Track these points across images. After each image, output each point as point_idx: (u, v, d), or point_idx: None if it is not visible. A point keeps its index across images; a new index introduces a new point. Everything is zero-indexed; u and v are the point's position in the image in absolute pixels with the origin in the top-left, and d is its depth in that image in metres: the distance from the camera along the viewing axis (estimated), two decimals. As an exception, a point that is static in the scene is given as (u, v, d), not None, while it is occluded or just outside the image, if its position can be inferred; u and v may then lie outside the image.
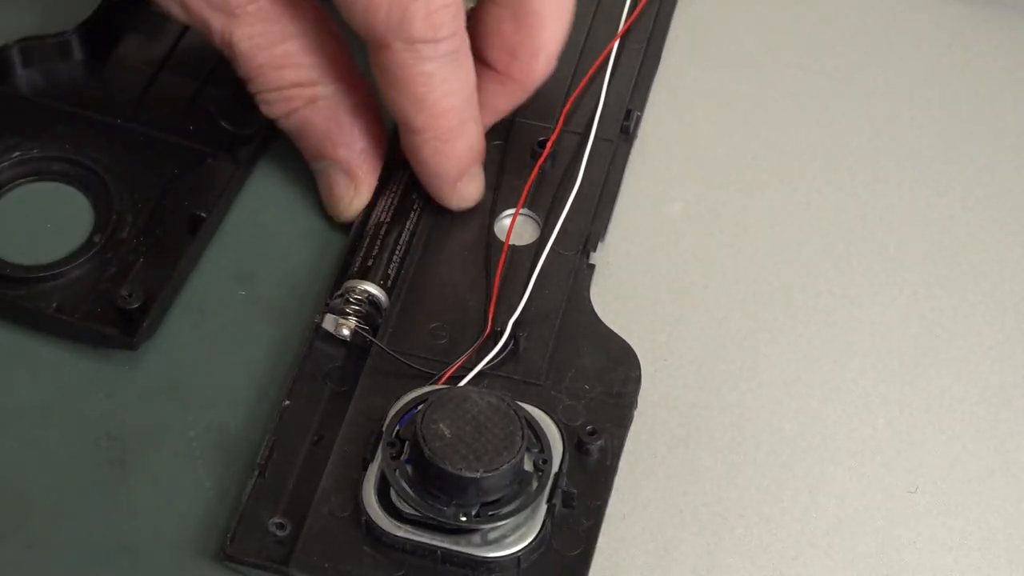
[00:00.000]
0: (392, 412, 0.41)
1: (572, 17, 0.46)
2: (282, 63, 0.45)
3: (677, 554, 0.41)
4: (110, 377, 0.44)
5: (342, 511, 0.40)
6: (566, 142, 0.48)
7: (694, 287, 0.47)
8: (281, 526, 0.40)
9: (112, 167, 0.47)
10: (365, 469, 0.41)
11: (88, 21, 0.50)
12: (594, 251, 0.46)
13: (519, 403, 0.41)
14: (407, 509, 0.40)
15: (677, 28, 0.53)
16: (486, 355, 0.43)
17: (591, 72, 0.50)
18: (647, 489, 0.42)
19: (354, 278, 0.44)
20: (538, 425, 0.41)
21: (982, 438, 0.44)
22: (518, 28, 0.45)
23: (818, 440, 0.43)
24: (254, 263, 0.46)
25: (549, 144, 0.48)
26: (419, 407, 0.40)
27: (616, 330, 0.44)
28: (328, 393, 0.43)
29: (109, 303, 0.44)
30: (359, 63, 0.46)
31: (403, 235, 0.46)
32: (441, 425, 0.39)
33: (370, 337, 0.43)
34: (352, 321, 0.43)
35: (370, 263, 0.45)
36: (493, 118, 0.47)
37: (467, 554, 0.39)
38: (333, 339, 0.44)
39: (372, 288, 0.44)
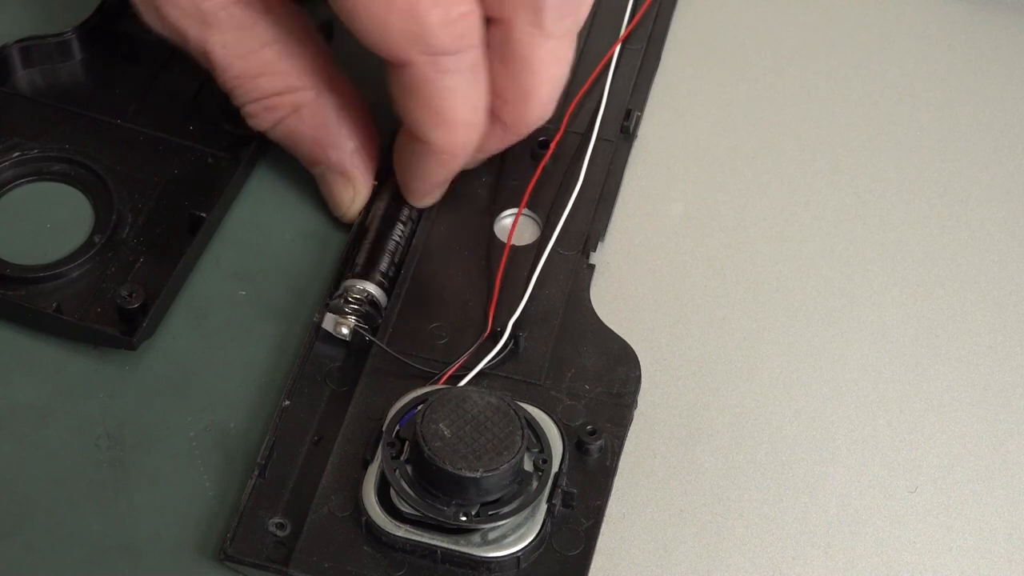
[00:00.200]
0: (392, 412, 0.41)
1: (570, 63, 0.45)
2: (260, 71, 0.45)
3: (677, 554, 0.41)
4: (110, 377, 0.44)
5: (342, 511, 0.40)
6: (566, 142, 0.48)
7: (694, 287, 0.47)
8: (281, 526, 0.40)
9: (112, 167, 0.47)
10: (365, 469, 0.41)
11: (88, 21, 0.50)
12: (594, 251, 0.46)
13: (519, 403, 0.41)
14: (407, 509, 0.40)
15: (677, 28, 0.53)
16: (486, 355, 0.43)
17: (594, 75, 0.49)
18: (647, 489, 0.42)
19: (354, 278, 0.44)
20: (538, 425, 0.41)
21: (982, 438, 0.44)
22: (507, 73, 0.44)
23: (818, 440, 0.43)
24: (254, 263, 0.46)
25: (553, 145, 0.48)
26: (419, 407, 0.40)
27: (616, 330, 0.44)
28: (328, 393, 0.43)
29: (109, 303, 0.44)
30: (339, 61, 0.46)
31: (403, 235, 0.46)
32: (441, 425, 0.39)
33: (370, 336, 0.43)
34: (351, 320, 0.43)
35: (370, 263, 0.45)
36: (483, 156, 0.47)
37: (467, 554, 0.39)
38: (333, 339, 0.44)
39: (372, 288, 0.44)
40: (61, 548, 0.40)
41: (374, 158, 0.47)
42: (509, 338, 0.43)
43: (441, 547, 0.39)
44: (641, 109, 0.50)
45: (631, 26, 0.51)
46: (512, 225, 0.47)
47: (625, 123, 0.49)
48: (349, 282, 0.44)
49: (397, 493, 0.40)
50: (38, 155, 0.47)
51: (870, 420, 0.44)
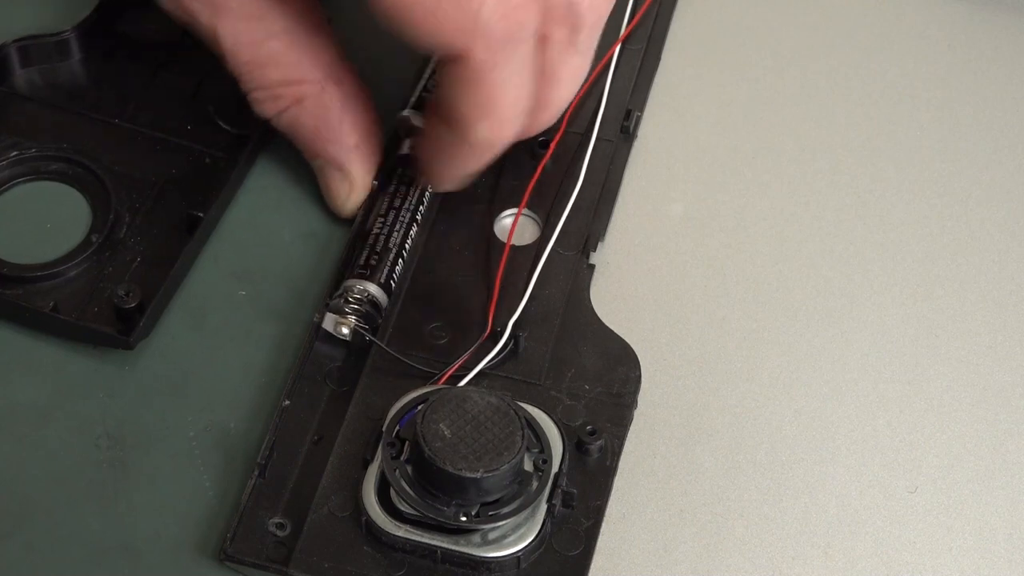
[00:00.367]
0: (392, 412, 0.41)
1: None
2: (266, 61, 0.45)
3: (677, 554, 0.41)
4: (109, 377, 0.44)
5: (342, 511, 0.40)
6: (566, 142, 0.48)
7: (694, 287, 0.47)
8: (281, 526, 0.40)
9: (110, 166, 0.47)
10: (365, 469, 0.41)
11: (86, 21, 0.50)
12: (594, 251, 0.46)
13: (519, 403, 0.41)
14: (407, 509, 0.39)
15: (677, 28, 0.53)
16: (486, 355, 0.43)
17: (594, 75, 0.49)
18: (647, 489, 0.42)
19: (354, 278, 0.44)
20: (538, 425, 0.41)
21: (982, 438, 0.44)
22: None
23: (818, 440, 0.43)
24: (253, 263, 0.46)
25: (553, 145, 0.48)
26: (419, 407, 0.40)
27: (616, 330, 0.44)
28: (328, 393, 0.43)
29: (106, 302, 0.44)
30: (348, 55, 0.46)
31: (403, 235, 0.46)
32: (441, 425, 0.39)
33: (370, 336, 0.43)
34: (352, 320, 0.43)
35: (370, 263, 0.44)
36: None
37: (467, 554, 0.39)
38: (333, 339, 0.44)
39: (372, 288, 0.44)
40: (61, 548, 0.40)
41: (375, 155, 0.47)
42: (509, 338, 0.43)
43: (441, 547, 0.39)
44: (641, 109, 0.50)
45: (631, 26, 0.51)
46: (512, 225, 0.47)
47: (625, 123, 0.49)
48: (349, 282, 0.44)
49: (397, 493, 0.39)
50: (36, 154, 0.47)
51: (870, 420, 0.44)
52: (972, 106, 0.51)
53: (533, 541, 0.40)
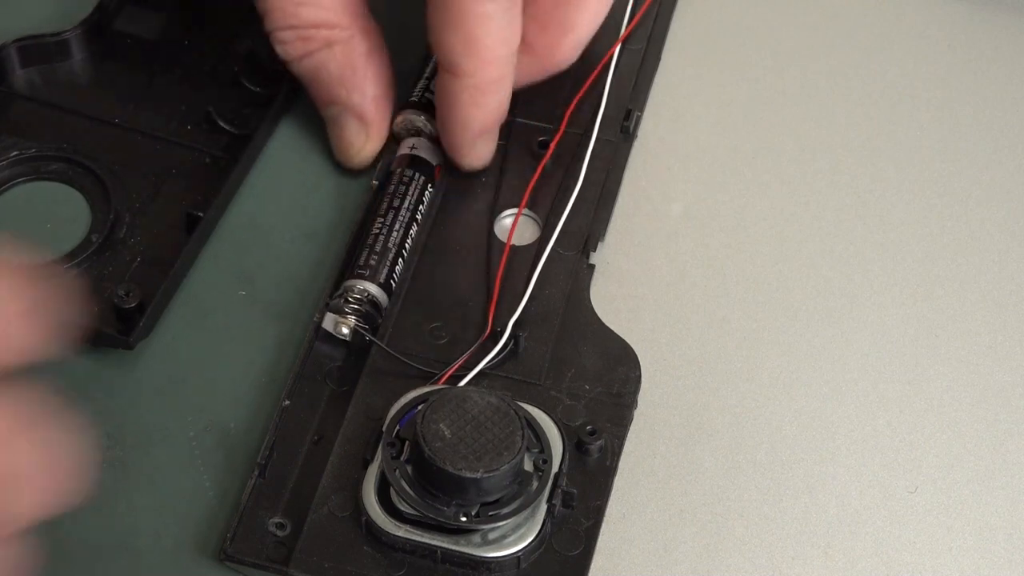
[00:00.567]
0: (392, 412, 0.41)
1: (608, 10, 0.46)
2: (303, 0, 0.45)
3: (677, 554, 0.41)
4: (110, 377, 0.44)
5: (342, 511, 0.40)
6: (566, 142, 0.48)
7: (694, 287, 0.47)
8: (281, 526, 0.40)
9: (110, 166, 0.47)
10: (365, 469, 0.41)
11: (86, 21, 0.50)
12: (594, 251, 0.46)
13: (519, 403, 0.41)
14: (407, 509, 0.39)
15: (677, 28, 0.53)
16: (486, 355, 0.43)
17: (594, 75, 0.49)
18: (647, 489, 0.42)
19: (354, 278, 0.44)
20: (538, 425, 0.41)
21: (982, 438, 0.44)
22: (557, 2, 0.45)
23: (818, 440, 0.43)
24: (253, 263, 0.46)
25: (553, 144, 0.48)
26: (419, 407, 0.40)
27: (616, 330, 0.44)
28: (328, 393, 0.43)
29: (106, 302, 0.44)
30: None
31: (403, 235, 0.46)
32: (441, 425, 0.39)
33: (370, 336, 0.43)
34: (352, 320, 0.43)
35: (370, 263, 0.44)
36: None
37: (467, 554, 0.39)
38: (333, 339, 0.44)
39: (372, 287, 0.44)
40: (61, 548, 0.40)
41: (391, 111, 0.47)
42: (509, 338, 0.43)
43: (441, 547, 0.39)
44: (641, 109, 0.50)
45: (631, 26, 0.51)
46: (512, 225, 0.47)
47: (625, 123, 0.49)
48: (349, 282, 0.44)
49: (397, 493, 0.39)
50: (36, 154, 0.47)
51: (870, 420, 0.44)
52: (972, 106, 0.51)
53: (533, 541, 0.40)
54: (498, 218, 0.47)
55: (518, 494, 0.40)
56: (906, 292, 0.47)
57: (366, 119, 0.47)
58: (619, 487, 0.42)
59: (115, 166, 0.47)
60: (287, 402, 0.42)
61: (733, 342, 0.45)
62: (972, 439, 0.44)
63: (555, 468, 0.40)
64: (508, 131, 0.48)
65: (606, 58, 0.50)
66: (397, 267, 0.45)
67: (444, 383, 0.42)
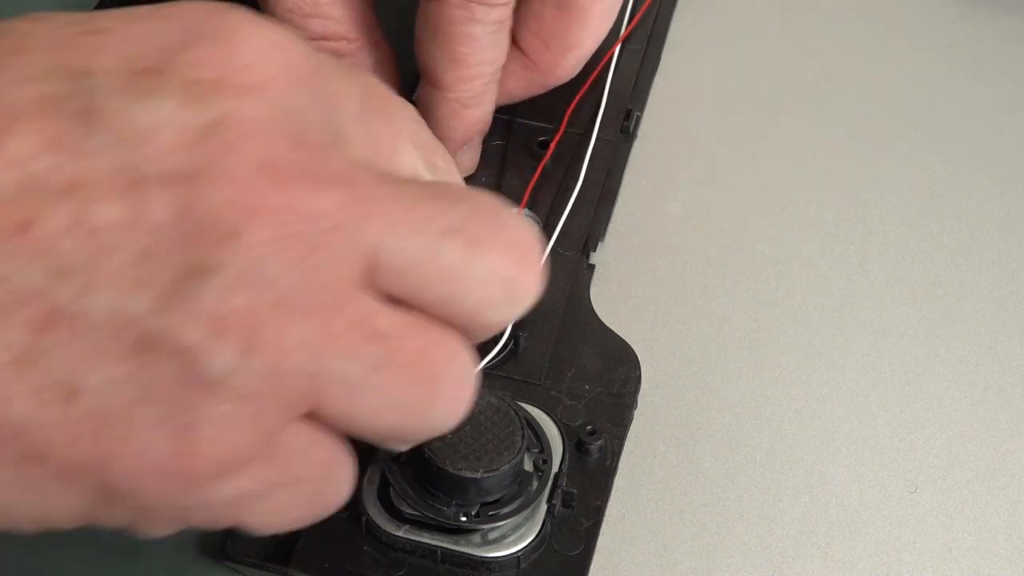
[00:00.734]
0: (392, 412, 0.41)
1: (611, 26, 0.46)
2: (312, 12, 0.45)
3: (677, 554, 0.41)
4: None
5: (342, 511, 0.40)
6: (566, 142, 0.48)
7: (694, 287, 0.46)
8: (281, 526, 0.40)
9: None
10: (365, 469, 0.41)
11: (87, 21, 0.50)
12: (594, 251, 0.46)
13: (519, 403, 0.41)
14: (407, 509, 0.39)
15: (677, 28, 0.53)
16: (486, 355, 0.43)
17: (594, 75, 0.49)
18: (647, 489, 0.42)
19: (354, 278, 0.44)
20: (538, 425, 0.41)
21: (982, 438, 0.44)
22: (560, 18, 0.45)
23: (818, 440, 0.43)
24: (254, 263, 0.46)
25: (553, 145, 0.48)
26: (419, 407, 0.40)
27: (616, 330, 0.44)
28: (328, 393, 0.43)
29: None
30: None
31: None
32: (441, 425, 0.39)
33: (370, 337, 0.43)
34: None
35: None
36: (505, 100, 0.47)
37: (467, 554, 0.39)
38: (333, 339, 0.43)
39: (372, 288, 0.44)
40: (61, 548, 0.40)
41: None
42: (509, 338, 0.43)
43: (441, 547, 0.39)
44: (641, 109, 0.50)
45: (631, 26, 0.51)
46: (512, 225, 0.46)
47: (625, 123, 0.49)
48: (349, 282, 0.44)
49: (397, 493, 0.39)
50: (37, 155, 0.47)
51: (870, 420, 0.44)
52: (972, 106, 0.51)
53: (533, 541, 0.40)
54: (498, 218, 0.47)
55: (518, 494, 0.40)
56: (906, 292, 0.47)
57: None
58: (619, 487, 0.42)
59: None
60: (287, 402, 0.42)
61: (733, 342, 0.45)
62: (972, 439, 0.44)
63: (555, 468, 0.40)
64: (508, 131, 0.48)
65: (606, 58, 0.50)
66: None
67: (444, 383, 0.42)
